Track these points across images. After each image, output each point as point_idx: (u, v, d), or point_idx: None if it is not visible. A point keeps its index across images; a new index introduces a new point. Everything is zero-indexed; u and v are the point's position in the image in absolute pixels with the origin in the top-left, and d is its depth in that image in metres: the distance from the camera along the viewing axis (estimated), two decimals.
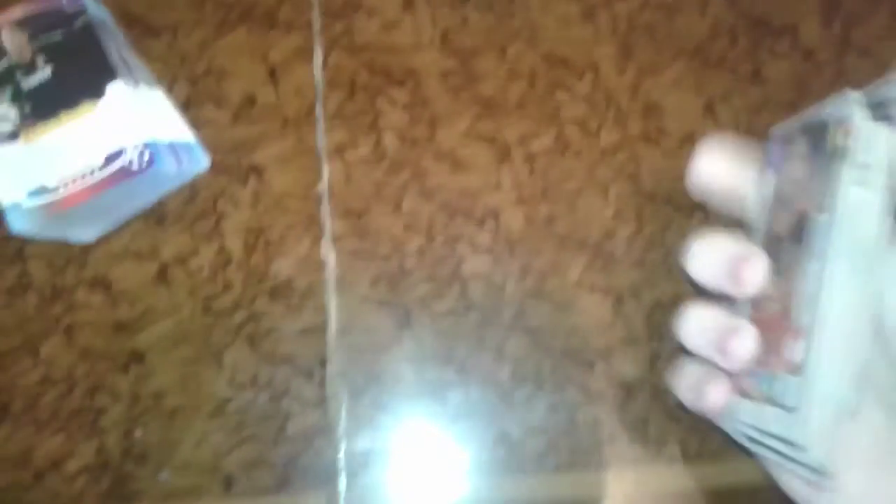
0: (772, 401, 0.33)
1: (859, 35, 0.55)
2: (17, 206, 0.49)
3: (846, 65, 0.54)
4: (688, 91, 0.54)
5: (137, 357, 0.49)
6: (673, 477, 0.47)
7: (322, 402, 0.48)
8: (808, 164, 0.35)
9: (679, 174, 0.51)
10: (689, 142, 0.52)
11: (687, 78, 0.54)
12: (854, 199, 0.32)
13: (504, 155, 0.53)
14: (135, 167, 0.49)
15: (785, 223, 0.35)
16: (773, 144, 0.38)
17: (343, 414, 0.48)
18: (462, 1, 0.56)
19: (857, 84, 0.51)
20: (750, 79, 0.54)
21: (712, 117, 0.53)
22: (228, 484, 0.47)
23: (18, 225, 0.49)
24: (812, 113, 0.35)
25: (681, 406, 0.46)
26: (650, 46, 0.55)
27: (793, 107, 0.52)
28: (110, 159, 0.49)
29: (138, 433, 0.48)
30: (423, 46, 0.55)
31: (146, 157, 0.49)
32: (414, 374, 0.49)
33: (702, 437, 0.47)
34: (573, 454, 0.47)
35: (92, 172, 0.49)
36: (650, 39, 0.55)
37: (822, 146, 0.33)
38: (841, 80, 0.54)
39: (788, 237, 0.35)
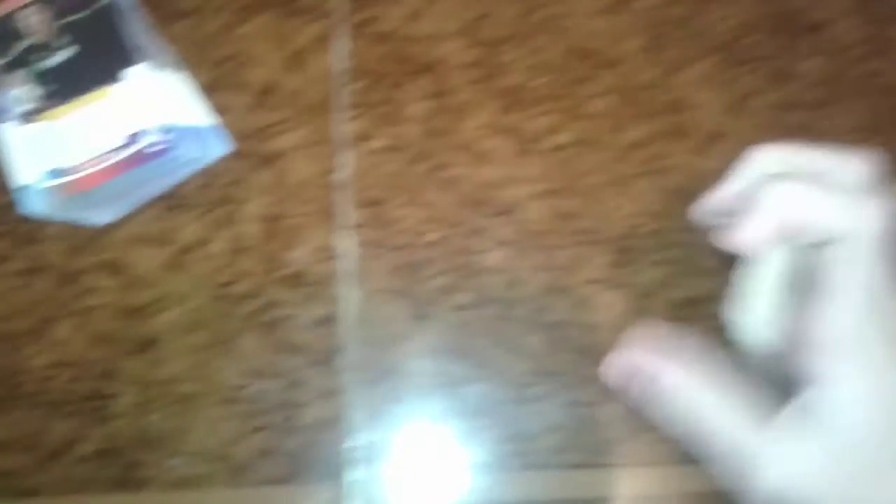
0: None
1: (895, 33, 0.54)
2: (33, 187, 0.50)
3: (881, 63, 0.54)
4: (717, 87, 0.54)
5: (150, 342, 0.49)
6: (693, 477, 0.46)
7: (335, 393, 0.48)
8: None
9: (707, 171, 0.50)
10: (717, 139, 0.52)
11: (716, 74, 0.54)
12: None
13: (527, 147, 0.53)
14: (154, 150, 0.49)
15: None
16: None
17: (356, 406, 0.48)
18: None
19: (891, 86, 0.51)
20: (780, 76, 0.54)
21: (741, 114, 0.53)
22: (239, 473, 0.47)
23: (34, 206, 0.50)
24: None
25: None
26: (679, 41, 0.55)
27: (824, 105, 0.52)
28: (130, 141, 0.50)
29: (149, 419, 0.48)
30: (447, 36, 0.55)
31: (166, 140, 0.49)
32: (429, 368, 0.49)
33: None
34: (591, 452, 0.47)
35: (111, 154, 0.49)
36: (679, 34, 0.55)
37: None
38: (874, 80, 0.53)
39: None
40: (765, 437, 0.30)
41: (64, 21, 0.53)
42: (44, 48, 0.52)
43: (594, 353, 0.49)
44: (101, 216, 0.51)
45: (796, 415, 0.30)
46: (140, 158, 0.49)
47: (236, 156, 0.53)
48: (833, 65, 0.54)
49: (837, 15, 0.55)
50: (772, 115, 0.53)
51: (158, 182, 0.52)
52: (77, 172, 0.49)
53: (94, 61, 0.52)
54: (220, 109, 0.54)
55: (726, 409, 0.31)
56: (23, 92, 0.51)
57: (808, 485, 0.29)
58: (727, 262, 0.44)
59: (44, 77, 0.52)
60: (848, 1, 0.56)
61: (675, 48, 0.55)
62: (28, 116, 0.51)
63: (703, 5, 0.56)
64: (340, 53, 0.55)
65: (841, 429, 0.29)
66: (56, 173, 0.50)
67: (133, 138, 0.49)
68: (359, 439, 0.48)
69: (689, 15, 0.55)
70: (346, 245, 0.51)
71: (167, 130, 0.49)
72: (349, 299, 0.50)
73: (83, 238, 0.51)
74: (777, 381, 0.31)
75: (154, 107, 0.50)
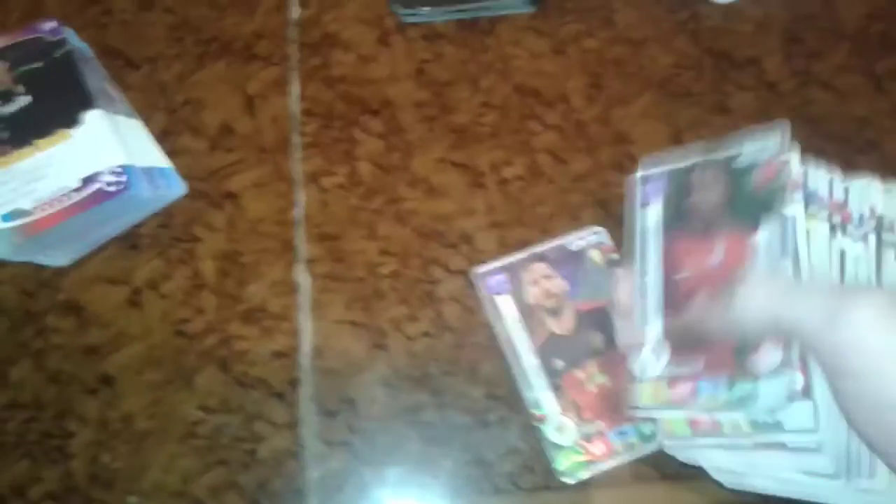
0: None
1: (820, 69, 0.59)
2: None
3: (808, 96, 0.58)
4: (656, 121, 0.57)
5: (107, 381, 0.50)
6: (652, 495, 0.48)
7: (294, 424, 0.49)
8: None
9: None
10: None
11: (655, 108, 0.57)
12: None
13: (477, 181, 0.55)
14: (110, 190, 0.51)
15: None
16: (646, 183, 0.45)
17: (315, 437, 0.49)
18: (436, 36, 0.59)
19: (819, 115, 0.55)
20: (715, 109, 0.57)
21: (680, 145, 0.56)
22: None
23: None
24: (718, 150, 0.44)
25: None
26: (619, 79, 0.58)
27: None
28: (86, 182, 0.51)
29: (106, 458, 0.49)
30: (398, 79, 0.59)
31: (122, 181, 0.51)
32: (387, 396, 0.50)
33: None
34: (548, 474, 0.48)
35: (68, 195, 0.51)
36: (618, 72, 0.58)
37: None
38: (803, 110, 0.57)
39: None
40: None
41: (20, 70, 0.55)
42: (1, 96, 0.53)
43: None
44: (59, 257, 0.53)
45: None
46: (97, 198, 0.50)
47: (194, 196, 0.55)
48: (764, 98, 0.58)
49: (766, 52, 0.60)
50: None
51: (116, 223, 0.54)
52: (34, 214, 0.50)
53: (50, 108, 0.54)
54: (178, 152, 0.56)
55: None
56: None
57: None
58: None
59: (1, 124, 0.53)
60: (775, 39, 0.60)
61: (615, 86, 0.58)
62: None
63: (639, 46, 0.60)
64: (294, 96, 0.58)
65: None
66: (13, 215, 0.51)
67: (90, 179, 0.51)
68: (319, 470, 0.49)
69: (628, 55, 0.59)
70: (303, 279, 0.53)
71: (122, 172, 0.51)
72: (306, 332, 0.52)
73: (40, 280, 0.53)
74: None
75: (109, 150, 0.52)
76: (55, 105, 0.54)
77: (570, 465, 0.48)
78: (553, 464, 0.48)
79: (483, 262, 0.53)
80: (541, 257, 0.53)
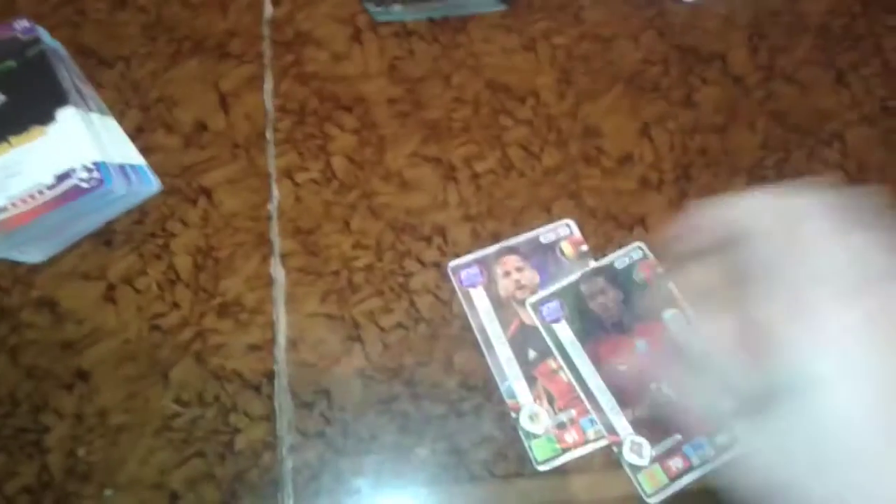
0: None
1: (784, 62, 0.60)
2: None
3: (772, 89, 0.59)
4: (624, 115, 0.58)
5: (82, 375, 0.51)
6: (623, 482, 0.49)
7: (270, 416, 0.50)
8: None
9: (617, 191, 0.55)
10: (626, 161, 0.57)
11: (623, 103, 0.59)
12: None
13: (450, 175, 0.56)
14: (84, 187, 0.51)
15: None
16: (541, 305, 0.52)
17: (291, 428, 0.50)
18: (408, 33, 0.60)
19: (783, 108, 0.56)
20: (682, 103, 0.59)
21: (648, 139, 0.57)
22: (174, 501, 0.48)
23: None
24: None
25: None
26: (587, 74, 0.60)
27: (723, 129, 0.57)
28: (60, 179, 0.52)
29: (82, 452, 0.49)
30: (370, 75, 0.59)
31: (95, 177, 0.51)
32: (362, 387, 0.51)
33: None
34: (522, 461, 0.49)
35: (42, 192, 0.51)
36: (587, 68, 0.60)
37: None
38: (768, 103, 0.59)
39: None
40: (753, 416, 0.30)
41: None
42: None
43: None
44: (34, 254, 0.53)
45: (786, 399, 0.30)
46: (71, 194, 0.51)
47: (168, 192, 0.56)
48: (729, 92, 0.60)
49: (731, 47, 0.61)
50: (675, 139, 0.58)
51: (90, 219, 0.54)
52: (8, 211, 0.51)
53: (23, 106, 0.54)
54: (152, 148, 0.56)
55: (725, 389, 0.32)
56: None
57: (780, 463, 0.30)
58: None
59: None
60: (740, 34, 0.62)
61: (583, 81, 0.60)
62: None
63: (608, 42, 0.61)
64: (267, 93, 0.59)
65: (828, 421, 0.29)
66: None
67: (63, 177, 0.51)
68: (294, 461, 0.49)
69: (596, 51, 0.61)
70: (278, 273, 0.54)
71: (96, 167, 0.51)
72: (281, 325, 0.52)
73: (15, 276, 0.53)
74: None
75: (83, 147, 0.53)
76: (29, 103, 0.55)
77: (544, 452, 0.49)
78: (527, 451, 0.49)
79: (456, 254, 0.54)
80: (513, 249, 0.54)
